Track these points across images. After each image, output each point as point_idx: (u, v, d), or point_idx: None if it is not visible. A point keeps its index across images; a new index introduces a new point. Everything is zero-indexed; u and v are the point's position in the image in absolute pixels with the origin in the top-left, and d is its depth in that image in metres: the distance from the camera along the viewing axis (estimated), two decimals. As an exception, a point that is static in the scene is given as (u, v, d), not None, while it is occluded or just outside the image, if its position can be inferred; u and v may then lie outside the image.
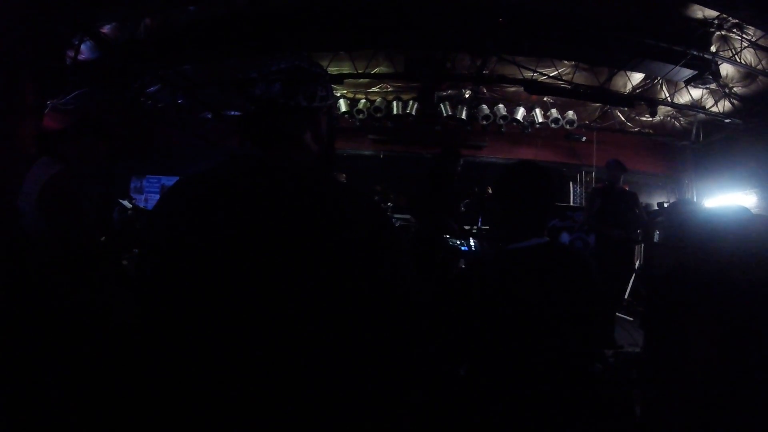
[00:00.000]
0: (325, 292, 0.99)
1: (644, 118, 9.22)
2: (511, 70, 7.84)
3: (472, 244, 5.15)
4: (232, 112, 9.11)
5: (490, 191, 5.55)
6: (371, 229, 1.05)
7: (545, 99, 9.04)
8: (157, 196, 10.10)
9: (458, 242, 5.11)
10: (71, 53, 6.60)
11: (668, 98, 8.34)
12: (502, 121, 9.14)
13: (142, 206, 8.34)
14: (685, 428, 1.71)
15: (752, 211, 1.82)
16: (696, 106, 8.50)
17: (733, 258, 1.71)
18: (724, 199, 8.96)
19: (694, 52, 6.61)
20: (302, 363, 0.98)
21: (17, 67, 4.70)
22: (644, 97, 8.23)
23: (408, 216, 7.13)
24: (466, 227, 5.59)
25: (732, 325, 1.65)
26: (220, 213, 1.03)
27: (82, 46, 6.73)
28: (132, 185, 10.35)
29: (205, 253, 1.01)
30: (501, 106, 9.07)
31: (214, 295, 0.99)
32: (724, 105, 8.23)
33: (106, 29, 6.77)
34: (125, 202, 7.26)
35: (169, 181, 10.05)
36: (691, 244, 1.93)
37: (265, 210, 1.02)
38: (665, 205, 7.68)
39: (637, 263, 7.34)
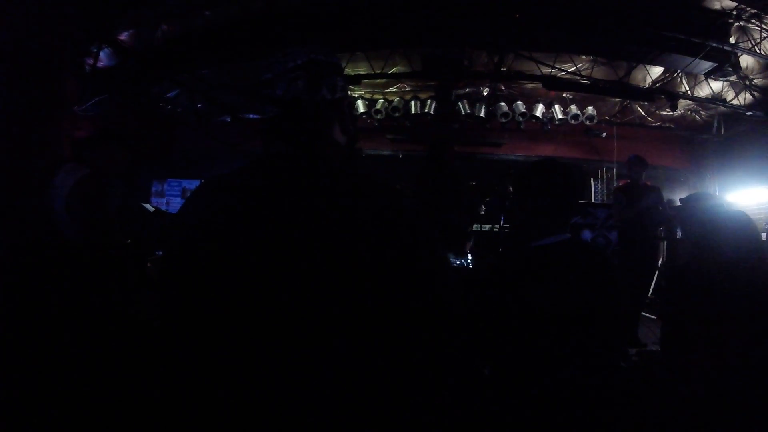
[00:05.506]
0: (367, 288, 0.98)
1: (664, 113, 9.10)
2: (529, 67, 7.78)
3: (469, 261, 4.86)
4: (251, 115, 9.17)
5: (511, 189, 5.42)
6: (409, 223, 1.04)
7: (564, 95, 8.97)
8: (179, 200, 10.21)
9: (457, 261, 4.78)
10: (90, 60, 6.71)
11: (688, 92, 8.22)
12: (521, 118, 9.06)
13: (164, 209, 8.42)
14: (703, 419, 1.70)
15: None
16: (716, 99, 8.35)
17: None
18: (746, 193, 8.80)
19: (714, 44, 6.49)
20: (341, 361, 0.97)
21: (50, 71, 4.77)
22: (664, 91, 8.10)
23: None
24: (489, 226, 5.43)
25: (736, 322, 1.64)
26: (252, 212, 1.02)
27: (101, 54, 6.83)
28: (153, 189, 10.45)
29: (238, 253, 0.99)
30: (519, 103, 9.00)
31: (249, 294, 0.97)
32: (745, 97, 8.09)
33: (123, 36, 6.87)
34: (148, 206, 7.36)
35: (190, 184, 10.15)
36: (708, 239, 1.92)
37: (303, 207, 1.01)
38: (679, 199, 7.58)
39: (660, 261, 7.23)
